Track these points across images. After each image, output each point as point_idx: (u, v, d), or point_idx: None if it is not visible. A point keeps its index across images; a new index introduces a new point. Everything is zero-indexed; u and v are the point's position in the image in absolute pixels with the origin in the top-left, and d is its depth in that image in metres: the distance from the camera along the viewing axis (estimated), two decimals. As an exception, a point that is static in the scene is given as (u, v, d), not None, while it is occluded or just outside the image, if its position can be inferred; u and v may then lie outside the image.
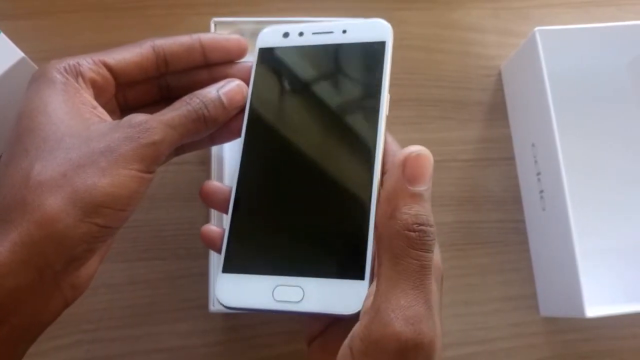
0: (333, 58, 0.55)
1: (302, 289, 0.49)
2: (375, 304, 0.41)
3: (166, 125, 0.48)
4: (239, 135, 0.55)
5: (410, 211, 0.42)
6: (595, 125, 0.79)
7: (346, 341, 0.43)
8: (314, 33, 0.56)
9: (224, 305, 0.50)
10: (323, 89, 0.55)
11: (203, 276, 0.66)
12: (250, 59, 0.57)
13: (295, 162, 0.53)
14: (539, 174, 0.70)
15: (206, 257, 0.63)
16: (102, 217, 0.44)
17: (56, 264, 0.43)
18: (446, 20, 0.81)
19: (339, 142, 0.53)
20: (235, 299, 0.50)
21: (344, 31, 0.56)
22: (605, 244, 0.74)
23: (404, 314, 0.40)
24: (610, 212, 0.75)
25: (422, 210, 0.42)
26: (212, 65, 0.57)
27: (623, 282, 0.73)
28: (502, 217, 0.75)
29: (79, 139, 0.46)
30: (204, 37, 0.55)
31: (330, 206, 0.51)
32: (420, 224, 0.41)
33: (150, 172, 0.47)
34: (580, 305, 0.61)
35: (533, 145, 0.71)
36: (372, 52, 0.55)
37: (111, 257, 0.69)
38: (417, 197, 0.42)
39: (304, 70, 0.55)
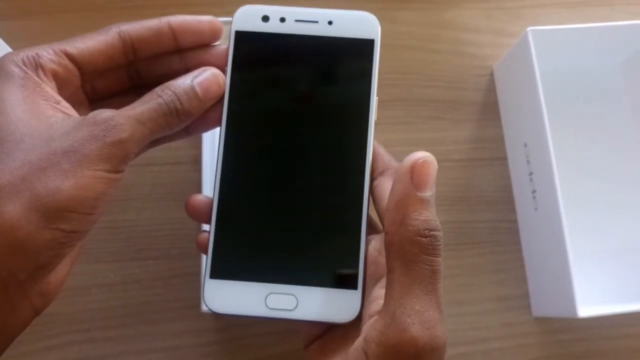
0: (319, 52, 0.53)
1: (295, 297, 0.49)
2: (390, 310, 0.42)
3: (135, 121, 0.45)
4: (215, 126, 0.53)
5: (420, 217, 0.42)
6: (588, 125, 0.79)
7: (358, 345, 0.43)
8: (297, 20, 0.53)
9: (213, 312, 0.49)
10: (308, 88, 0.53)
11: (195, 276, 0.67)
12: (226, 42, 0.53)
13: (282, 164, 0.51)
14: (531, 174, 0.70)
15: (198, 257, 0.64)
16: (67, 222, 0.41)
17: (20, 274, 0.41)
18: (439, 20, 0.81)
19: (328, 145, 0.52)
20: (225, 305, 0.49)
21: (330, 22, 0.53)
22: (598, 244, 0.74)
23: (420, 319, 0.40)
24: (602, 212, 0.76)
25: (430, 216, 0.42)
26: (185, 50, 0.53)
27: (615, 282, 0.73)
28: (494, 217, 0.75)
29: (40, 139, 0.43)
30: (173, 19, 0.51)
31: (321, 212, 0.51)
32: (430, 230, 0.41)
33: (118, 172, 0.44)
34: (572, 305, 0.61)
35: (525, 145, 0.71)
36: (360, 51, 0.53)
37: (104, 257, 0.69)
38: (425, 202, 0.42)
39: (287, 63, 0.53)
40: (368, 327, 0.44)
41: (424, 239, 0.41)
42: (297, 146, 0.52)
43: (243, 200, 0.51)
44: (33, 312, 0.44)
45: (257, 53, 0.53)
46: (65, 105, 0.47)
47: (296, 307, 0.49)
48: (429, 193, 0.42)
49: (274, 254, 0.50)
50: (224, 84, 0.51)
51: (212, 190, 0.51)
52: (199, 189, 0.65)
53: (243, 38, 0.52)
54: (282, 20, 0.53)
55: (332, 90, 0.53)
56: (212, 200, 0.52)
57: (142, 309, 0.68)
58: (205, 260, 0.50)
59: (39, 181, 0.41)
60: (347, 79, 0.53)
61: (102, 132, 0.43)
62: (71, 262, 0.48)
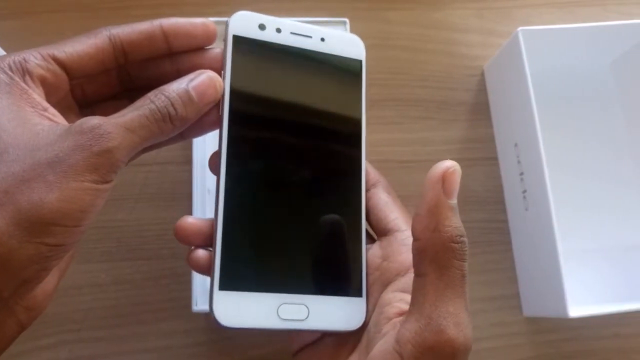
0: (313, 66, 0.54)
1: (306, 306, 0.49)
2: (425, 312, 0.43)
3: (124, 129, 0.43)
4: (211, 130, 0.52)
5: (452, 224, 0.43)
6: (579, 125, 0.79)
7: (388, 347, 0.45)
8: (292, 33, 0.53)
9: (223, 326, 0.47)
10: (305, 100, 0.53)
11: (186, 276, 0.67)
12: (219, 45, 0.53)
13: (284, 175, 0.52)
14: (521, 173, 0.70)
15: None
16: (52, 236, 0.40)
17: (3, 290, 0.40)
18: (429, 20, 0.81)
19: (328, 159, 0.53)
20: (236, 318, 0.47)
21: (322, 39, 0.54)
22: (588, 243, 0.74)
23: (454, 321, 0.42)
24: (593, 212, 0.76)
25: (459, 223, 0.44)
26: (177, 53, 0.51)
27: (606, 282, 0.73)
28: (485, 217, 0.75)
29: (25, 149, 0.41)
30: (166, 22, 0.49)
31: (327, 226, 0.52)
32: (461, 236, 0.43)
33: (106, 182, 0.42)
34: (563, 305, 0.61)
35: (516, 145, 0.71)
36: (351, 70, 0.55)
37: (95, 257, 0.69)
38: (454, 209, 0.44)
39: (283, 73, 0.53)
40: (392, 328, 0.46)
41: (456, 245, 0.43)
42: (299, 158, 0.52)
43: (250, 210, 0.50)
44: (19, 328, 0.43)
45: (255, 59, 0.52)
46: (53, 112, 0.45)
47: (307, 317, 0.49)
48: (455, 200, 0.44)
49: (283, 263, 0.50)
50: (221, 87, 0.49)
51: (215, 199, 0.49)
52: (189, 189, 0.65)
53: (240, 43, 0.52)
54: (278, 30, 0.53)
55: (328, 105, 0.54)
56: (202, 221, 0.50)
57: (133, 309, 0.68)
58: (212, 272, 0.48)
59: (22, 194, 0.39)
60: (341, 95, 0.55)
61: (89, 141, 0.41)
62: (60, 273, 0.46)
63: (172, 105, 0.46)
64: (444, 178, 0.43)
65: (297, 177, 0.52)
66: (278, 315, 0.48)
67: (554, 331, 0.72)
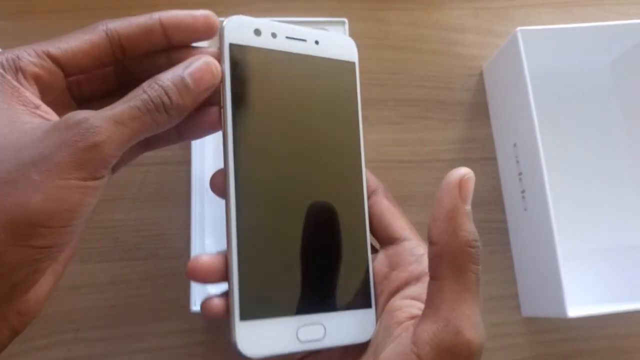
0: (308, 71, 0.53)
1: (323, 325, 0.49)
2: (442, 314, 0.44)
3: (113, 122, 0.41)
4: (211, 132, 0.51)
5: (468, 229, 0.44)
6: (577, 125, 0.79)
7: (404, 348, 0.45)
8: (287, 37, 0.52)
9: (248, 358, 0.46)
10: (304, 107, 0.52)
11: (184, 276, 0.67)
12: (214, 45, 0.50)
13: (293, 187, 0.50)
14: (520, 174, 0.70)
15: (187, 257, 0.63)
16: (40, 238, 0.38)
17: None
18: (427, 20, 0.81)
19: (331, 171, 0.53)
20: (260, 347, 0.46)
21: (317, 42, 0.53)
22: (587, 244, 0.74)
23: (471, 322, 0.43)
24: (592, 213, 0.76)
25: (474, 228, 0.44)
26: (175, 48, 0.49)
27: (605, 282, 0.73)
28: (483, 217, 0.75)
29: (11, 149, 0.39)
30: (165, 15, 0.47)
31: (335, 240, 0.52)
32: (476, 241, 0.44)
33: (96, 179, 0.40)
34: (562, 305, 0.61)
35: (515, 145, 0.71)
36: (346, 73, 0.55)
37: (93, 257, 0.69)
38: (469, 215, 0.44)
39: (281, 79, 0.51)
40: (405, 330, 0.47)
41: (472, 249, 0.43)
42: (304, 168, 0.52)
43: (262, 234, 0.49)
44: (11, 333, 0.42)
45: (252, 67, 0.50)
46: (46, 110, 0.43)
47: (324, 335, 0.49)
48: (469, 206, 0.44)
49: (298, 285, 0.49)
50: (218, 72, 0.47)
51: (226, 227, 0.47)
52: (188, 189, 0.65)
53: (237, 51, 0.50)
54: (274, 35, 0.51)
55: (326, 110, 0.54)
56: (214, 257, 0.48)
57: (131, 309, 0.68)
58: (231, 305, 0.46)
59: (6, 195, 0.37)
60: (338, 99, 0.54)
61: (74, 136, 0.39)
62: (55, 276, 0.45)
63: (167, 94, 0.44)
64: (460, 184, 0.44)
65: (303, 190, 0.51)
66: (298, 338, 0.48)
67: (553, 331, 0.72)
